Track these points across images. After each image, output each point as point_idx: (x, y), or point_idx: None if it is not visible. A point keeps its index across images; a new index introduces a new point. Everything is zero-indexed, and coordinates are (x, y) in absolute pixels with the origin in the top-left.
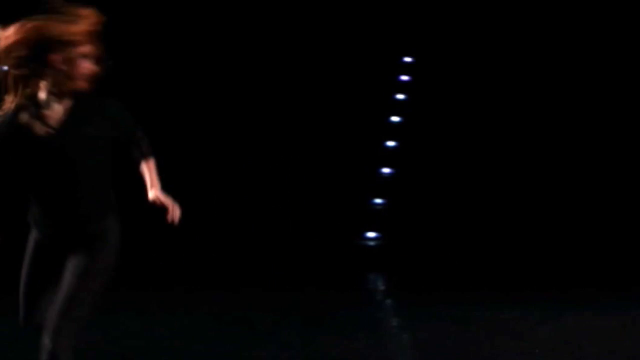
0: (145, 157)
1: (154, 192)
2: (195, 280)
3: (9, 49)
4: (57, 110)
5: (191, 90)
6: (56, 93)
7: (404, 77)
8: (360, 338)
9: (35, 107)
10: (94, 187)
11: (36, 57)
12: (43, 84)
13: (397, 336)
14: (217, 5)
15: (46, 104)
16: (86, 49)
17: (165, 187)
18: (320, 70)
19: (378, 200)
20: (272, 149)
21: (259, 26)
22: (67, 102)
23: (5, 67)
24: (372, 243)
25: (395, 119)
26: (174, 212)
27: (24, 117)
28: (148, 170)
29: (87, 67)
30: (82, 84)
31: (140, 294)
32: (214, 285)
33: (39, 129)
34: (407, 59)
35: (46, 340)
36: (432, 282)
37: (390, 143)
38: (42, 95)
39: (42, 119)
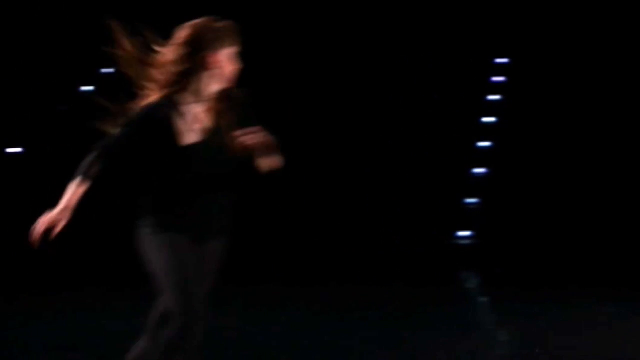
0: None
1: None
2: (290, 276)
3: (173, 50)
4: (199, 109)
5: (296, 90)
6: (201, 92)
7: (498, 78)
8: (451, 334)
9: (179, 105)
10: (227, 181)
11: (191, 56)
12: (192, 83)
13: (489, 333)
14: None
15: (192, 101)
16: (233, 50)
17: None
18: (416, 71)
19: (471, 200)
20: (367, 149)
21: (359, 29)
22: (210, 102)
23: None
24: (465, 242)
25: (488, 119)
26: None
27: (168, 112)
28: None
29: (234, 68)
30: (227, 84)
31: (238, 289)
32: (310, 281)
33: (182, 126)
34: (502, 60)
35: (199, 327)
36: (525, 279)
37: (484, 143)
38: (188, 93)
39: (185, 116)
